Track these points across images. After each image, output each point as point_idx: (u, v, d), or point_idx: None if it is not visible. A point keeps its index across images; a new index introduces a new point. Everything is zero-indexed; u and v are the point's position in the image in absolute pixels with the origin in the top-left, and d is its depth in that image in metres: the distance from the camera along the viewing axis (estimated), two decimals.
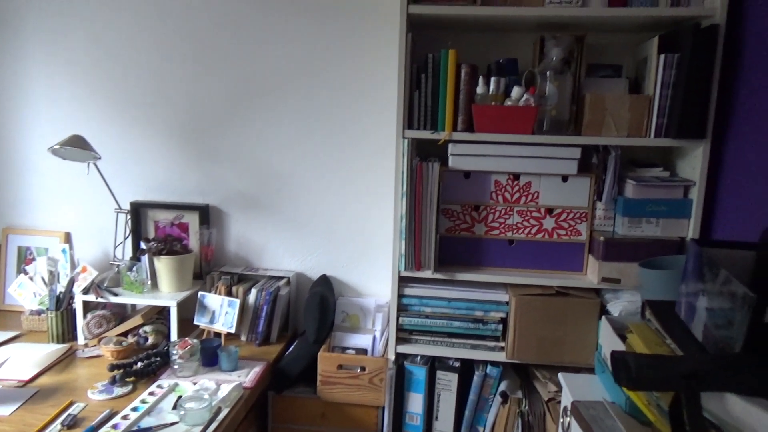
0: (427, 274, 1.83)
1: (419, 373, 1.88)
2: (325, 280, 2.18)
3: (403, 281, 1.89)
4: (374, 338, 2.03)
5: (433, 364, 1.91)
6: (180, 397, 1.64)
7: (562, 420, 1.43)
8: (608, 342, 1.34)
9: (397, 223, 1.82)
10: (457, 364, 1.90)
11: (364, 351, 2.01)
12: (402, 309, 1.89)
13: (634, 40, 1.89)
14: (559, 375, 1.46)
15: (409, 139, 1.75)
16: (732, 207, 1.61)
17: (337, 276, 2.24)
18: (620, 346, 1.24)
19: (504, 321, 1.86)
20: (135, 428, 1.49)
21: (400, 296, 1.88)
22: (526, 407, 1.80)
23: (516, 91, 1.72)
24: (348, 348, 2.02)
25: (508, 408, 1.81)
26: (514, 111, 1.71)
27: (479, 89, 1.74)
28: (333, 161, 2.15)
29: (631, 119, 1.71)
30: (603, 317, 1.43)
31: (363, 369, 1.91)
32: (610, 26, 1.82)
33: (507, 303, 1.84)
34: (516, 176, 1.81)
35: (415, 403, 1.90)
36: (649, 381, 0.79)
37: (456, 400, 1.88)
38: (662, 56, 1.66)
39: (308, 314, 1.99)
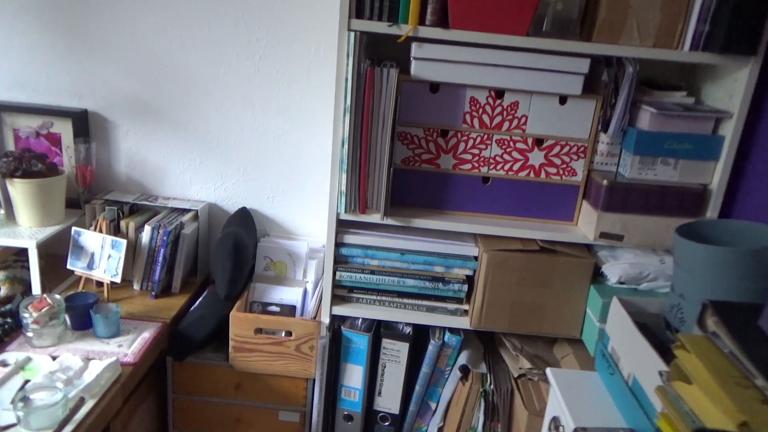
0: (375, 218, 1.38)
1: (360, 341, 1.48)
2: (244, 215, 1.71)
3: (342, 226, 1.44)
4: (305, 292, 1.61)
5: (378, 330, 1.51)
6: (26, 382, 1.18)
7: None
8: (628, 343, 0.96)
9: (336, 149, 1.34)
10: (408, 331, 1.52)
11: (291, 308, 1.59)
12: (340, 261, 1.46)
13: None
14: (548, 371, 1.09)
15: (356, 32, 1.24)
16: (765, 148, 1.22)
17: (261, 210, 1.76)
18: (658, 365, 0.85)
19: (470, 280, 1.46)
20: None
21: (339, 245, 1.44)
22: (491, 385, 1.46)
23: None
24: (271, 304, 1.59)
25: (469, 385, 1.45)
26: (505, 0, 1.22)
27: None
28: (256, 60, 1.61)
29: (661, 23, 1.25)
30: (615, 299, 1.05)
31: (288, 334, 1.50)
32: None
33: (476, 258, 1.44)
34: (500, 93, 1.35)
35: (354, 376, 1.52)
36: None
37: (405, 373, 1.52)
38: None
39: (218, 262, 1.53)
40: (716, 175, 1.34)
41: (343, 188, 1.36)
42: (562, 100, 1.35)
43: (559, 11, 1.27)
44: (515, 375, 1.47)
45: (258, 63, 1.61)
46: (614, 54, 1.29)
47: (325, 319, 1.48)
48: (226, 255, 1.50)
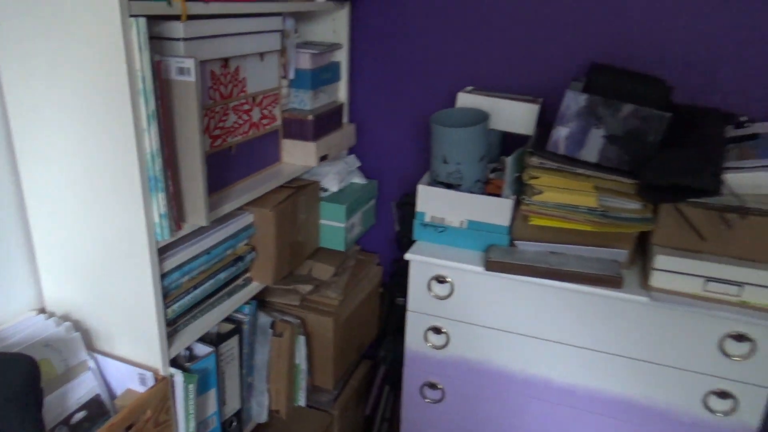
0: (194, 223, 1.21)
1: (208, 362, 1.32)
2: None
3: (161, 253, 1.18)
4: (90, 370, 1.21)
5: (215, 342, 1.36)
6: None
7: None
8: (448, 206, 1.45)
9: (145, 168, 1.07)
10: (220, 325, 1.43)
11: (95, 400, 1.18)
12: (167, 296, 1.20)
13: None
14: (407, 255, 1.45)
15: (146, 17, 0.99)
16: (363, 66, 1.83)
17: None
18: (493, 203, 1.40)
19: (252, 246, 1.50)
20: None
21: (164, 276, 1.18)
22: (298, 320, 1.63)
23: None
24: (73, 414, 1.13)
25: (288, 335, 1.57)
26: None
27: None
28: None
29: None
30: (420, 187, 1.47)
31: (129, 428, 1.16)
32: None
33: (252, 224, 1.48)
34: (226, 62, 1.35)
35: (209, 404, 1.35)
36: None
37: (239, 364, 1.46)
38: None
39: (8, 414, 0.95)
40: (341, 92, 1.84)
41: (164, 210, 1.12)
42: (261, 57, 1.48)
43: None
44: (297, 303, 1.68)
45: None
46: (278, 10, 1.50)
47: (167, 370, 1.22)
48: (25, 390, 0.95)
